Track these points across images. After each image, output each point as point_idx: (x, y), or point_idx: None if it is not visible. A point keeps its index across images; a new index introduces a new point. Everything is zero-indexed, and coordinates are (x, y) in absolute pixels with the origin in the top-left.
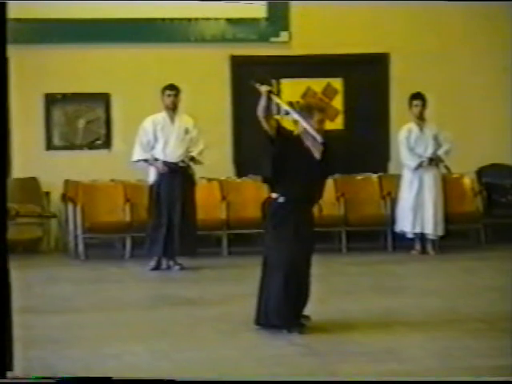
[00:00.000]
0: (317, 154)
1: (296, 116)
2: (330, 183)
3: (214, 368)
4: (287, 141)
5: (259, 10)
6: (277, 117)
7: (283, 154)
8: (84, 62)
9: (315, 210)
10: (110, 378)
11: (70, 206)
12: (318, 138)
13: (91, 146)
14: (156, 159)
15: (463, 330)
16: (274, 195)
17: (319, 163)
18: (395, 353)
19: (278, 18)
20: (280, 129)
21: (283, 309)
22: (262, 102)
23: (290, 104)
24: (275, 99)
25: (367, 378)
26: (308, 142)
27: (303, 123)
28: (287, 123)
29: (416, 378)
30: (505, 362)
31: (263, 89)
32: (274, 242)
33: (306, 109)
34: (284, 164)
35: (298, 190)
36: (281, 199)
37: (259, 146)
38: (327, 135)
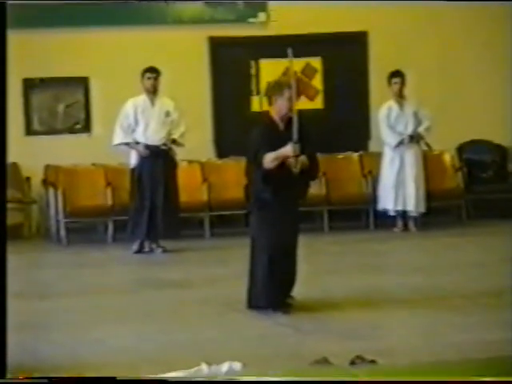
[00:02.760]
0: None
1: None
2: None
3: (199, 350)
4: (268, 142)
5: None
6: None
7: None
8: (62, 46)
9: None
10: (114, 377)
11: (51, 191)
12: (296, 169)
13: (71, 130)
14: (137, 142)
15: (446, 306)
16: None
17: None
18: (379, 330)
19: None
20: (261, 143)
21: (269, 290)
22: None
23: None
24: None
25: (351, 356)
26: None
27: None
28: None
29: (403, 359)
30: (488, 337)
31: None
32: (260, 223)
33: (277, 87)
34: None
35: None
36: (264, 183)
37: (240, 128)
38: (306, 115)
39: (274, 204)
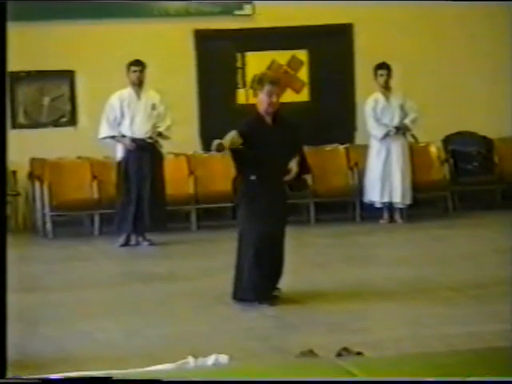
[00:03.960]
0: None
1: None
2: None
3: (186, 343)
4: (254, 135)
5: None
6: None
7: (253, 147)
8: (47, 39)
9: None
10: (109, 377)
11: (37, 184)
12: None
13: (56, 123)
14: (123, 136)
15: (434, 297)
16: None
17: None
18: (367, 322)
19: None
20: (244, 134)
21: (256, 282)
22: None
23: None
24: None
25: (338, 348)
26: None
27: None
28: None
29: (390, 351)
30: (476, 328)
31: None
32: (248, 216)
33: (258, 81)
34: (255, 152)
35: (270, 169)
36: (252, 177)
37: (226, 120)
38: (292, 108)
39: (262, 195)
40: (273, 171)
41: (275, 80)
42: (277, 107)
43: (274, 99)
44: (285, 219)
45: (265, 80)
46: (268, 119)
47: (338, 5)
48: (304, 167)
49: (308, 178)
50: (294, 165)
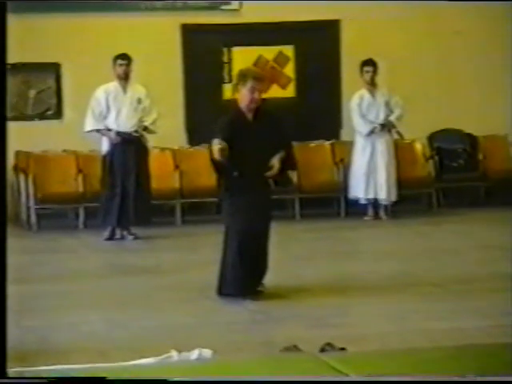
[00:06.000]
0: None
1: None
2: None
3: (170, 336)
4: (235, 132)
5: None
6: (228, 86)
7: (234, 144)
8: (34, 32)
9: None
10: (104, 377)
11: (22, 177)
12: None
13: (42, 116)
14: (109, 129)
15: (417, 293)
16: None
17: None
18: (350, 317)
19: None
20: (226, 137)
21: (240, 278)
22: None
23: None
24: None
25: (322, 343)
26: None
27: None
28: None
29: (374, 346)
30: (459, 324)
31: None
32: (232, 210)
33: (241, 76)
34: (236, 148)
35: (251, 165)
36: (235, 173)
37: (212, 115)
38: (278, 103)
39: (245, 191)
40: (254, 167)
41: (259, 76)
42: (259, 103)
43: (257, 95)
44: (269, 215)
45: (248, 75)
46: (249, 115)
47: (324, 1)
48: (289, 163)
49: (292, 173)
50: (276, 161)
